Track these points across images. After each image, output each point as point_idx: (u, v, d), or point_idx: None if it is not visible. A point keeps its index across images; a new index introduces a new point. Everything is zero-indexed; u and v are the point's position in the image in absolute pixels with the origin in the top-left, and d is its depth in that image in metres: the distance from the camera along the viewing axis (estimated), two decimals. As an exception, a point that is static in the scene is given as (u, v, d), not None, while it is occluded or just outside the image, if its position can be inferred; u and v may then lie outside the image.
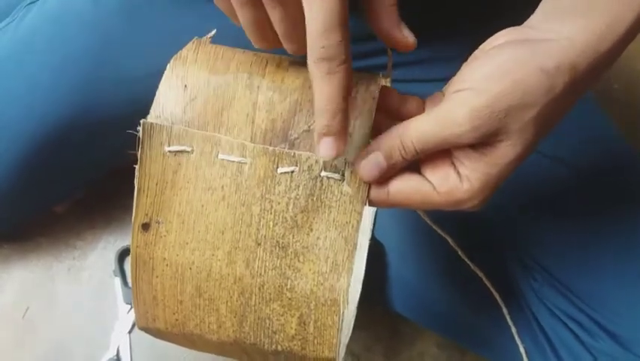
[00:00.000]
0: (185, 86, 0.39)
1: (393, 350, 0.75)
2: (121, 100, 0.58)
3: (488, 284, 0.43)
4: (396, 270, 0.64)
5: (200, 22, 0.59)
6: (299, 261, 0.38)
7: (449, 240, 0.44)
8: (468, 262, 0.46)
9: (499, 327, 0.55)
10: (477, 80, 0.35)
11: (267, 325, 0.39)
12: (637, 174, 0.55)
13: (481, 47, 0.39)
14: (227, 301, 0.39)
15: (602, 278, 0.52)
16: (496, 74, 0.35)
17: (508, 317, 0.51)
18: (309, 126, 0.38)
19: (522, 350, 0.52)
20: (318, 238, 0.37)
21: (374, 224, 0.56)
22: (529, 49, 0.35)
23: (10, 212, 0.67)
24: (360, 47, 0.62)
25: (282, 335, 0.39)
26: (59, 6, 0.58)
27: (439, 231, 0.42)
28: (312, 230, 0.37)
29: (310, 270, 0.37)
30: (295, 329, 0.38)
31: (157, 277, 0.39)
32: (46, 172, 0.62)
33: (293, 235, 0.37)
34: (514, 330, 0.52)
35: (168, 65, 0.40)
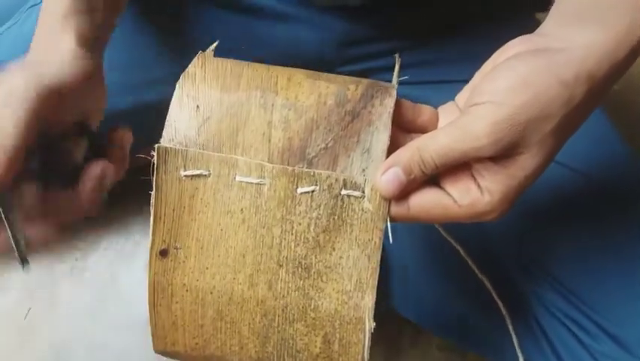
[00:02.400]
0: (198, 106, 0.38)
1: (393, 351, 0.75)
2: (120, 104, 0.58)
3: (494, 294, 0.44)
4: (397, 271, 0.64)
5: (201, 29, 0.59)
6: (322, 281, 0.37)
7: (461, 250, 0.44)
8: (476, 271, 0.46)
9: (502, 331, 0.55)
10: (496, 93, 0.35)
11: (291, 345, 0.38)
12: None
13: (494, 56, 0.38)
14: (249, 324, 0.38)
15: (604, 281, 0.52)
16: (515, 86, 0.35)
17: (511, 327, 0.51)
18: (327, 144, 0.38)
19: (521, 359, 0.52)
20: (340, 258, 0.37)
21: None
22: (546, 59, 0.35)
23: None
24: (358, 50, 0.62)
25: (306, 353, 0.38)
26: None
27: (452, 241, 0.42)
28: (334, 249, 0.37)
29: (334, 289, 0.37)
30: (320, 348, 0.38)
31: (177, 303, 0.39)
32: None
33: (315, 255, 0.37)
34: (515, 340, 0.52)
35: (177, 84, 0.39)
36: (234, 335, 0.39)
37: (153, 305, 0.39)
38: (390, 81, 0.62)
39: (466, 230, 0.55)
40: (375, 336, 0.75)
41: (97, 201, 0.41)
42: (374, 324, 0.38)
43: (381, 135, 0.38)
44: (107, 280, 0.75)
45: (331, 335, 0.37)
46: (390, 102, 0.38)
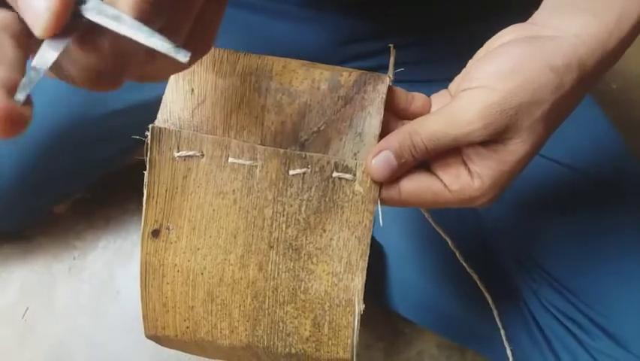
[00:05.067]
0: (193, 89, 0.39)
1: (392, 349, 0.75)
2: (122, 101, 0.58)
3: (481, 286, 0.43)
4: (395, 271, 0.64)
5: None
6: (312, 263, 0.37)
7: (449, 241, 0.44)
8: (464, 264, 0.46)
9: (497, 327, 0.55)
10: (487, 78, 0.35)
11: (281, 328, 0.38)
12: (636, 175, 0.55)
13: (487, 43, 0.39)
14: (240, 306, 0.38)
15: (600, 278, 0.52)
16: (506, 71, 0.35)
17: (497, 319, 0.51)
18: (319, 128, 0.38)
19: (509, 352, 0.52)
20: (331, 239, 0.37)
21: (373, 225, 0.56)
22: (538, 46, 0.35)
23: (10, 213, 0.67)
24: (358, 48, 0.62)
25: (295, 337, 0.38)
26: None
27: (441, 232, 0.42)
28: (325, 231, 0.37)
29: (324, 271, 0.37)
30: (309, 331, 0.38)
31: (168, 283, 0.39)
32: (47, 173, 0.62)
33: (306, 237, 0.37)
34: (502, 333, 0.52)
35: None
36: (225, 318, 0.39)
37: (145, 286, 0.39)
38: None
39: (463, 226, 0.55)
40: (374, 334, 0.76)
41: None
42: (363, 306, 0.37)
43: (374, 120, 0.38)
44: (105, 279, 0.75)
45: (321, 318, 0.37)
46: (382, 88, 0.39)
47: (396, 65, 0.62)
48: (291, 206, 0.37)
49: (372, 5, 0.58)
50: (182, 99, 0.39)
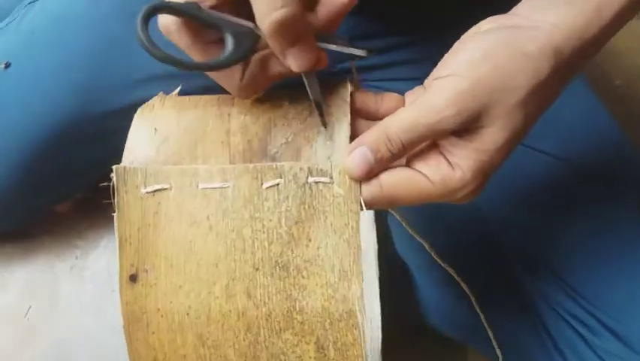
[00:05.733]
0: (156, 129, 0.38)
1: (392, 348, 0.75)
2: (122, 101, 0.58)
3: (464, 286, 0.43)
4: (419, 284, 0.63)
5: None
6: (303, 277, 0.35)
7: (425, 244, 0.43)
8: (440, 261, 0.45)
9: (503, 328, 0.55)
10: (458, 66, 0.35)
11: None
12: (637, 167, 0.55)
13: (463, 36, 0.38)
14: (234, 344, 0.36)
15: (607, 277, 0.51)
16: (478, 58, 0.35)
17: (482, 317, 0.50)
18: (287, 139, 0.37)
19: (498, 352, 0.51)
20: (318, 248, 0.35)
21: (393, 245, 0.54)
22: (511, 34, 0.35)
23: (11, 212, 0.67)
24: (365, 45, 0.62)
25: None
26: (59, 6, 0.58)
27: (415, 235, 0.42)
28: (310, 240, 0.35)
29: (317, 284, 0.35)
30: (315, 358, 0.35)
31: (153, 333, 0.36)
32: (47, 173, 0.62)
33: (291, 250, 0.35)
34: (490, 333, 0.51)
35: (135, 114, 0.38)
36: None
37: (130, 342, 0.37)
38: (390, 78, 0.62)
39: (472, 229, 0.55)
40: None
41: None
42: (380, 335, 0.35)
43: (343, 124, 0.37)
44: (107, 278, 0.75)
45: (324, 339, 0.35)
46: (345, 92, 0.38)
47: (400, 64, 0.62)
48: (270, 220, 0.35)
49: (371, 4, 0.57)
50: (145, 140, 0.38)
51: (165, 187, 0.36)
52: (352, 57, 0.38)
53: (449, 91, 0.34)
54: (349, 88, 0.39)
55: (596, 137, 0.56)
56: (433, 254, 0.45)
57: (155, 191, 0.36)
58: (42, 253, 0.76)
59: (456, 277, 0.42)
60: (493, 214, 0.55)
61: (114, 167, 0.37)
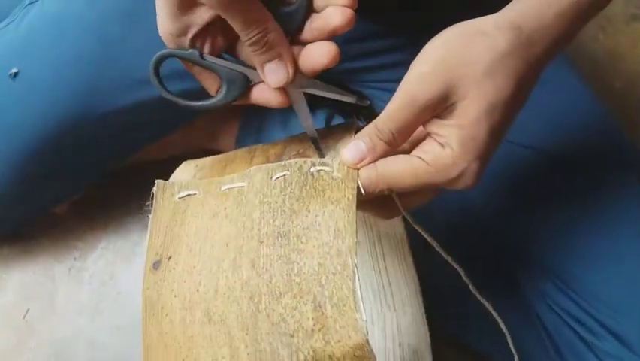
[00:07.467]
0: (197, 165, 0.46)
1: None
2: (121, 101, 0.58)
3: (472, 287, 0.43)
4: None
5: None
6: (302, 242, 0.38)
7: (428, 237, 0.44)
8: (450, 261, 0.45)
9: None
10: (422, 55, 0.39)
11: (283, 329, 0.36)
12: (631, 162, 0.56)
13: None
14: (237, 316, 0.37)
15: (606, 277, 0.52)
16: (437, 46, 0.38)
17: (495, 313, 0.50)
18: (299, 151, 0.43)
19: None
20: (316, 216, 0.38)
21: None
22: (470, 23, 0.39)
23: (10, 213, 0.67)
24: (356, 48, 0.62)
25: (300, 334, 0.36)
26: (58, 7, 0.58)
27: (424, 233, 0.42)
28: (309, 211, 0.38)
29: (314, 246, 0.37)
30: (313, 319, 0.36)
31: (166, 315, 0.39)
32: (45, 173, 0.62)
33: (292, 221, 0.38)
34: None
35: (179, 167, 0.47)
36: (224, 337, 0.37)
37: (145, 327, 0.39)
38: (386, 80, 0.62)
39: (470, 230, 0.55)
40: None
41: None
42: (430, 355, 0.37)
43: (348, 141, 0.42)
44: (106, 279, 0.75)
45: (320, 296, 0.36)
46: (350, 130, 0.43)
47: (397, 65, 0.62)
48: (276, 202, 0.39)
49: (371, 5, 0.58)
50: (186, 171, 0.46)
51: (194, 193, 0.42)
52: (344, 103, 0.43)
53: (416, 75, 0.38)
54: (353, 130, 0.43)
55: (584, 127, 0.57)
56: (443, 253, 0.46)
57: (185, 196, 0.42)
58: (40, 254, 0.76)
59: (464, 277, 0.42)
60: (491, 213, 0.55)
61: (156, 181, 0.42)
